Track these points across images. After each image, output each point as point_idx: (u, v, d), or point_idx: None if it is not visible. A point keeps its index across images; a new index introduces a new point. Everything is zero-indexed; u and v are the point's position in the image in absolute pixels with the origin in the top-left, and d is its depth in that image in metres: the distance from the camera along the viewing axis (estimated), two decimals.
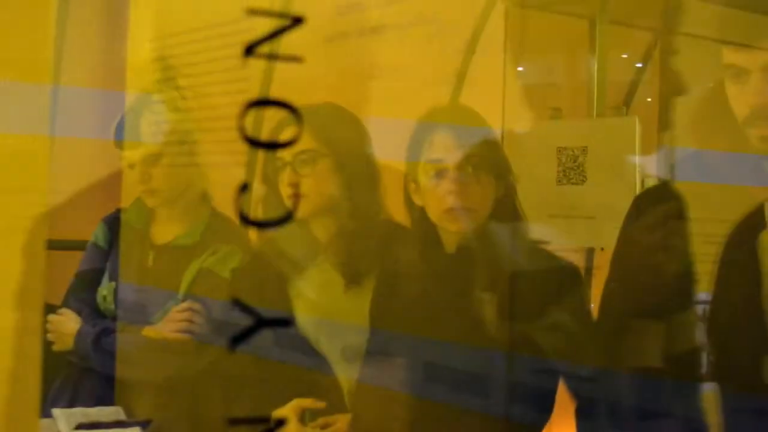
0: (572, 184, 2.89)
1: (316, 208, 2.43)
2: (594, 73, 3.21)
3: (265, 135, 1.73)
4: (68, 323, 2.75)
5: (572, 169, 2.89)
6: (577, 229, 2.90)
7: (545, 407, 2.20)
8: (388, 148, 2.53)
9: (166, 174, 2.74)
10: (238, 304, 1.20)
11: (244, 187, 1.24)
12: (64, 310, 2.78)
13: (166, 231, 2.82)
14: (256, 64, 1.14)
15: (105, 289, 2.80)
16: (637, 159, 2.75)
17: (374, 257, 2.44)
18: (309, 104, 2.38)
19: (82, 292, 2.83)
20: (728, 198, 2.13)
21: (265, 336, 1.18)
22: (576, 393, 2.15)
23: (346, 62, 3.11)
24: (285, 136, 1.59)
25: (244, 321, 1.17)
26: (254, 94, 1.16)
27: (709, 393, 2.00)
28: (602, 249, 2.92)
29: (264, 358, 2.15)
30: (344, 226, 2.45)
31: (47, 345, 2.68)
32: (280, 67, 1.21)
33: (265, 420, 1.24)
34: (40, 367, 1.59)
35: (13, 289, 1.53)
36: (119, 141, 2.78)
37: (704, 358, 2.04)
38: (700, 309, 2.03)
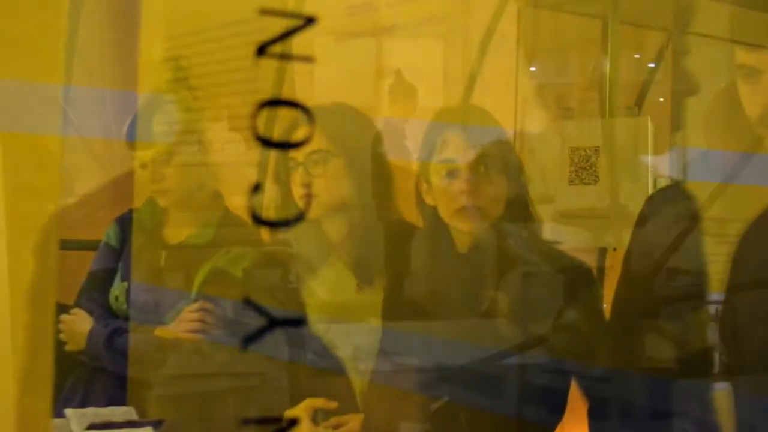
0: (585, 184, 2.88)
1: (328, 208, 2.43)
2: (606, 73, 3.20)
3: (277, 135, 1.73)
4: (80, 323, 2.75)
5: (585, 169, 2.88)
6: (589, 229, 2.89)
7: (557, 407, 2.20)
8: (400, 148, 2.53)
9: (178, 174, 2.74)
10: (251, 303, 1.20)
11: (257, 187, 1.24)
12: (76, 310, 2.78)
13: (178, 231, 2.82)
14: (268, 64, 1.14)
15: (117, 289, 2.80)
16: (649, 159, 2.74)
17: (386, 257, 2.44)
18: (321, 104, 2.39)
19: (95, 292, 2.83)
20: (741, 198, 2.12)
21: (278, 336, 1.18)
22: (588, 393, 2.15)
23: (359, 62, 3.11)
24: (297, 136, 1.59)
25: (257, 321, 1.17)
26: (266, 93, 1.16)
27: (722, 393, 1.99)
28: (614, 249, 2.91)
29: (276, 358, 2.15)
30: (356, 226, 2.44)
31: (59, 345, 2.68)
32: (292, 67, 1.21)
33: (277, 420, 1.24)
34: (53, 367, 1.60)
35: (26, 288, 1.53)
36: (131, 141, 2.79)
37: (716, 358, 2.04)
38: (712, 309, 2.03)
